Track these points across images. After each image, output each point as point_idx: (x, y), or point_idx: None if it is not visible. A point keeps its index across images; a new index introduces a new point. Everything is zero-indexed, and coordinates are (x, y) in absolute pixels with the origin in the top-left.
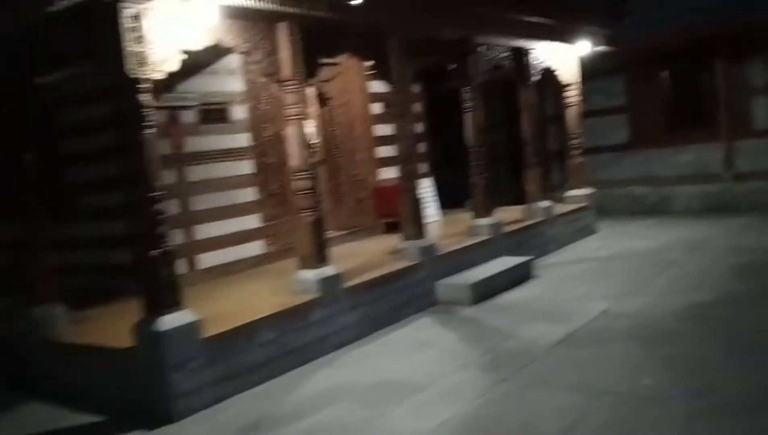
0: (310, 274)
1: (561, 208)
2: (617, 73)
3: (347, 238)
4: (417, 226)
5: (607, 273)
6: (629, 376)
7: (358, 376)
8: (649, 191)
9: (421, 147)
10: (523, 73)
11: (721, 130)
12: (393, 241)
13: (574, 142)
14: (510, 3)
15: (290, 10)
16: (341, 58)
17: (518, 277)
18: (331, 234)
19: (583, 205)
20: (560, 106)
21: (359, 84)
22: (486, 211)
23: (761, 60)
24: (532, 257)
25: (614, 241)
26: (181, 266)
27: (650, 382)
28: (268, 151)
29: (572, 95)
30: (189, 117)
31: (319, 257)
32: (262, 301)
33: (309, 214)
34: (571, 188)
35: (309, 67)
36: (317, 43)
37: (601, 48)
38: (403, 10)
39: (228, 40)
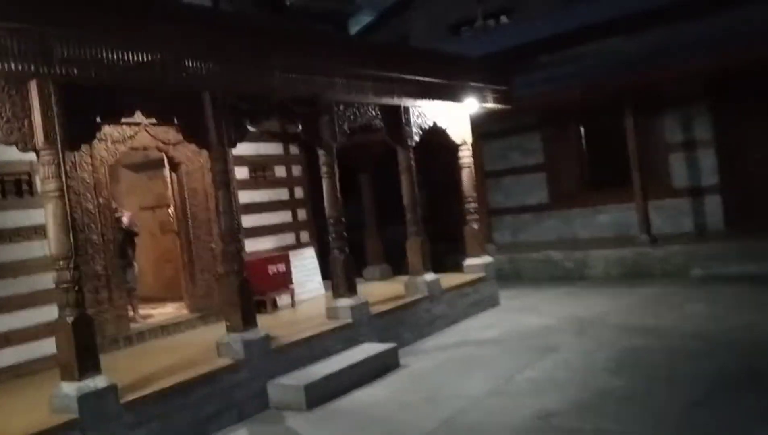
0: (70, 388)
1: (453, 280)
2: (533, 130)
3: (195, 323)
4: (242, 315)
5: (478, 363)
6: None
7: None
8: (566, 256)
9: (302, 214)
10: (400, 133)
11: (635, 190)
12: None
13: (469, 205)
14: (371, 58)
15: (30, 69)
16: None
17: (378, 368)
18: (180, 317)
19: (479, 275)
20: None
21: None
22: (347, 290)
23: (675, 115)
24: (394, 345)
25: (509, 318)
26: None
27: None
28: (89, 224)
29: (465, 156)
30: None
31: (84, 366)
32: (12, 420)
33: (69, 313)
34: (469, 256)
35: (81, 131)
36: (93, 102)
37: (491, 106)
38: (218, 61)
39: None
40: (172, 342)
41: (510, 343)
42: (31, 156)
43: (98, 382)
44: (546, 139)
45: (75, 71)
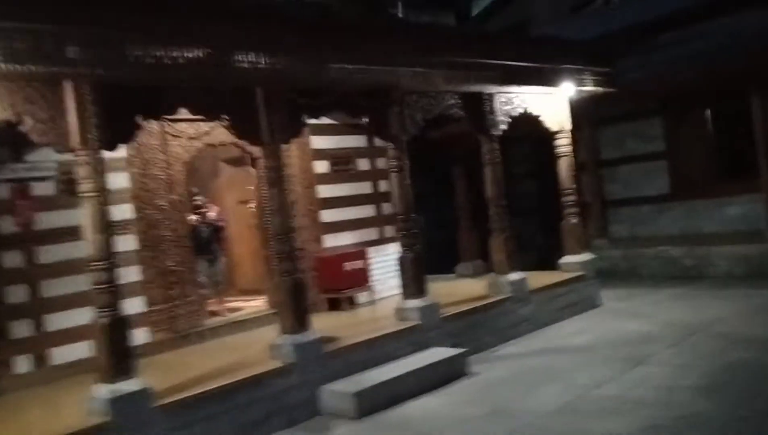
0: (103, 391)
1: (545, 279)
2: (653, 115)
3: (273, 319)
4: (294, 317)
5: (556, 373)
6: None
7: None
8: (685, 252)
9: (386, 208)
10: (484, 122)
11: (762, 179)
12: (328, 320)
13: (567, 199)
14: (443, 44)
15: (67, 70)
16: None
17: (443, 376)
18: (259, 313)
19: (576, 274)
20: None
21: (297, 139)
22: (416, 291)
23: None
24: (463, 351)
25: (605, 322)
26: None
27: None
28: (163, 221)
29: (563, 144)
30: (43, 189)
31: (118, 368)
32: (50, 420)
33: (106, 314)
34: (567, 254)
35: (120, 131)
36: (134, 101)
37: (590, 89)
38: (270, 55)
39: None
40: (243, 339)
41: (597, 352)
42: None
43: (131, 385)
44: (668, 125)
45: (114, 72)
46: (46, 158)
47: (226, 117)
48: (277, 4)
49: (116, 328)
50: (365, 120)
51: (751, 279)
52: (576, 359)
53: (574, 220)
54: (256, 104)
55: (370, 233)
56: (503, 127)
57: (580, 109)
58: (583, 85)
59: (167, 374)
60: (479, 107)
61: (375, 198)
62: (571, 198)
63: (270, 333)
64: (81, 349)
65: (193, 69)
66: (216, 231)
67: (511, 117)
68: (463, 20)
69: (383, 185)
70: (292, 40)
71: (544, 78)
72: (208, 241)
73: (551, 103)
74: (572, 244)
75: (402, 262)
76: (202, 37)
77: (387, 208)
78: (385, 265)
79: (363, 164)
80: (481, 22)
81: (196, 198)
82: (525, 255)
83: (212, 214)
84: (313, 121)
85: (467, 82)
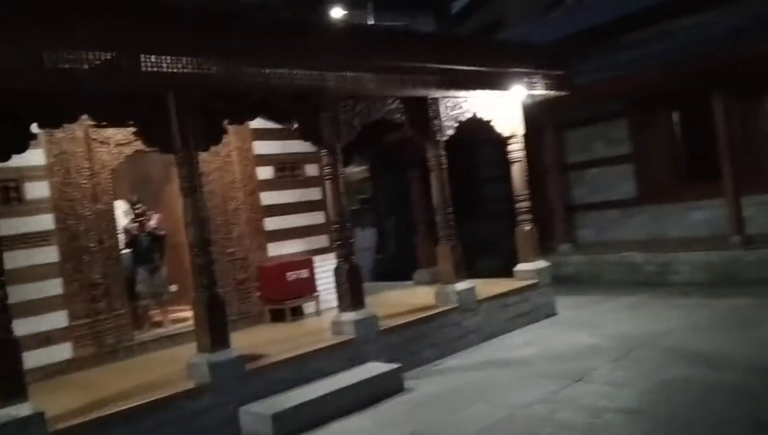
0: None
1: (495, 288)
2: (618, 117)
3: None
4: (210, 334)
5: (490, 390)
6: None
7: None
8: (648, 258)
9: (320, 217)
10: (428, 128)
11: (725, 183)
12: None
13: (521, 205)
14: (381, 47)
15: None
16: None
17: (376, 393)
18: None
19: (529, 283)
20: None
21: (238, 145)
22: (352, 303)
23: None
24: (397, 367)
25: (553, 334)
26: None
27: None
28: (87, 231)
29: (515, 149)
30: None
31: (6, 393)
32: None
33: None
34: (521, 261)
35: (11, 141)
36: (29, 110)
37: (542, 93)
38: (181, 56)
39: None
40: (174, 354)
41: (537, 366)
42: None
43: (21, 410)
44: (633, 127)
45: (5, 78)
46: None
47: (134, 123)
48: (186, 5)
49: (5, 350)
50: (294, 125)
51: (713, 287)
52: (515, 374)
53: (528, 227)
54: (167, 110)
55: (320, 241)
56: (450, 132)
57: (543, 112)
58: (535, 89)
59: (76, 394)
60: (423, 112)
61: (324, 205)
62: (525, 204)
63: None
64: None
65: (97, 73)
66: (156, 240)
67: (459, 122)
68: (442, 22)
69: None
70: (203, 43)
71: (493, 82)
72: (147, 251)
73: (502, 108)
74: (526, 251)
75: (337, 273)
76: (107, 39)
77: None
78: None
79: (311, 170)
80: (457, 23)
81: (137, 206)
82: (492, 259)
83: (152, 222)
84: (235, 126)
85: (405, 86)
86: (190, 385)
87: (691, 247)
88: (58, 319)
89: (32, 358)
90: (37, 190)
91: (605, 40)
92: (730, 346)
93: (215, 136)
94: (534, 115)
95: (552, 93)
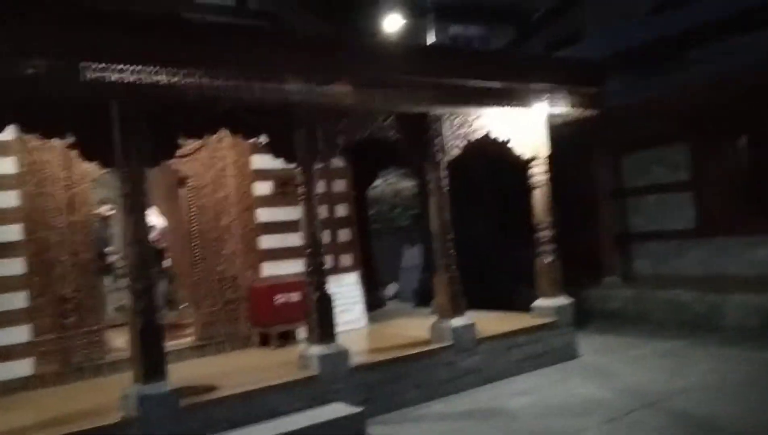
0: None
1: (502, 326)
2: (678, 139)
3: (189, 354)
4: (147, 363)
5: None
6: None
7: None
8: (696, 298)
9: (344, 234)
10: (427, 148)
11: None
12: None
13: (542, 234)
14: (369, 59)
15: None
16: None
17: None
18: (180, 345)
19: (545, 321)
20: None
21: (234, 159)
22: (320, 336)
23: None
24: (358, 410)
25: (561, 381)
26: None
27: None
28: (58, 243)
29: (537, 172)
30: None
31: None
32: None
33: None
34: (540, 296)
35: None
36: None
37: (567, 111)
38: (127, 63)
39: None
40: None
41: (523, 421)
42: None
43: None
44: (695, 151)
45: None
46: None
47: (72, 136)
48: (133, 10)
49: None
50: (263, 140)
51: (764, 335)
52: (494, 429)
53: (549, 259)
54: (110, 122)
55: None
56: (455, 152)
57: (591, 133)
58: (560, 106)
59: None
60: (421, 130)
61: (329, 223)
62: (547, 233)
63: (190, 369)
64: None
65: (29, 82)
66: (156, 253)
67: (467, 141)
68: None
69: (340, 210)
70: (153, 50)
71: (509, 98)
72: None
73: (522, 127)
74: (546, 286)
75: (308, 302)
76: (43, 44)
77: (344, 234)
78: (339, 296)
79: (317, 186)
80: (532, 34)
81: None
82: (521, 289)
83: (154, 235)
84: (192, 141)
85: (395, 102)
86: (116, 418)
87: (748, 287)
88: (19, 334)
89: None
90: (6, 199)
91: (669, 54)
92: (751, 413)
93: (168, 152)
94: (580, 135)
95: (580, 111)
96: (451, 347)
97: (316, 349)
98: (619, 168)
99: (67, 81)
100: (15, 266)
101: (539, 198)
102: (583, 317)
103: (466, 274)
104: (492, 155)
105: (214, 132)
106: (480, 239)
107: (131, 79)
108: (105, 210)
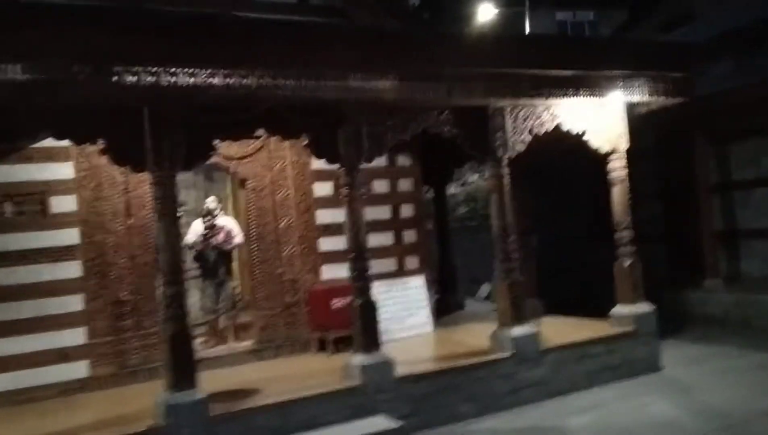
0: None
1: (572, 335)
2: None
3: (248, 358)
4: (177, 370)
5: None
6: None
7: None
8: None
9: (409, 235)
10: (487, 143)
11: None
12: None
13: (621, 234)
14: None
15: None
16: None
17: None
18: (239, 349)
19: (623, 330)
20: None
21: (294, 159)
22: (363, 345)
23: None
24: (396, 426)
25: (635, 397)
26: None
27: None
28: (117, 246)
29: (616, 167)
30: None
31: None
32: None
33: None
34: (619, 302)
35: None
36: None
37: (649, 100)
38: (159, 66)
39: None
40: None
41: None
42: (51, 175)
43: None
44: None
45: None
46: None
47: (102, 141)
48: (167, 13)
49: None
50: (304, 141)
51: None
52: None
53: (629, 262)
54: (141, 126)
55: (387, 264)
56: (520, 147)
57: (691, 121)
58: (643, 95)
59: (52, 418)
60: (481, 124)
61: (394, 224)
62: (627, 234)
63: (249, 373)
64: (4, 380)
65: (61, 88)
66: (223, 254)
67: (534, 135)
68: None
69: (406, 210)
70: (187, 52)
71: (584, 87)
72: (214, 265)
73: (599, 118)
74: (625, 291)
75: (352, 310)
76: (73, 50)
77: (409, 235)
78: (403, 300)
79: (380, 186)
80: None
81: (207, 218)
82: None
83: (220, 236)
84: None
85: (452, 95)
86: (143, 426)
87: None
88: (76, 336)
89: (48, 374)
90: (64, 203)
91: None
92: None
93: (202, 155)
94: (681, 124)
95: (664, 99)
96: (511, 358)
97: (359, 359)
98: (725, 159)
99: (99, 86)
100: (72, 269)
101: (618, 195)
102: (677, 323)
103: (555, 275)
104: (582, 150)
105: (251, 133)
106: (572, 238)
107: (164, 82)
108: None
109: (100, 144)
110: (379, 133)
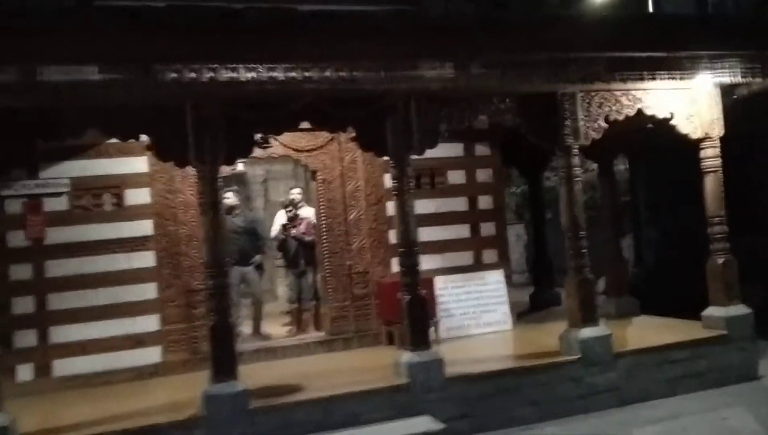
0: None
1: (651, 338)
2: None
3: (316, 349)
4: (218, 362)
5: None
6: None
7: None
8: None
9: (487, 228)
10: (555, 130)
11: None
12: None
13: (715, 229)
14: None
15: None
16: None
17: None
18: (313, 338)
19: (714, 334)
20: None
21: (362, 152)
22: (413, 342)
23: None
24: (438, 428)
25: (718, 407)
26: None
27: None
28: (182, 240)
29: (709, 156)
30: (55, 205)
31: None
32: None
33: None
34: (711, 304)
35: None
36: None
37: (736, 80)
38: (202, 63)
39: None
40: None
41: None
42: (126, 169)
43: None
44: None
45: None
46: (59, 175)
47: (147, 137)
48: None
49: None
50: (350, 133)
51: None
52: None
53: (722, 259)
54: (185, 122)
55: (462, 257)
56: (594, 135)
57: None
58: (737, 76)
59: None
60: (548, 111)
61: (470, 216)
62: (720, 229)
63: (293, 366)
64: (83, 363)
65: (105, 86)
66: (304, 245)
67: (610, 122)
68: None
69: (484, 201)
70: (226, 48)
71: (670, 68)
72: (295, 256)
73: (689, 101)
74: (718, 292)
75: (403, 307)
76: (119, 51)
77: (488, 228)
78: (480, 295)
79: (455, 177)
80: None
81: (289, 209)
82: (750, 286)
83: (301, 227)
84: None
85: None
86: (185, 415)
87: None
88: (150, 323)
89: (124, 359)
90: (139, 196)
91: None
92: None
93: (243, 150)
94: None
95: (761, 81)
96: (578, 361)
97: (407, 356)
98: None
99: (142, 84)
100: (147, 259)
101: (711, 186)
102: None
103: (672, 271)
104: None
105: (295, 127)
106: (692, 232)
107: (205, 78)
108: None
109: (148, 140)
110: (432, 124)
